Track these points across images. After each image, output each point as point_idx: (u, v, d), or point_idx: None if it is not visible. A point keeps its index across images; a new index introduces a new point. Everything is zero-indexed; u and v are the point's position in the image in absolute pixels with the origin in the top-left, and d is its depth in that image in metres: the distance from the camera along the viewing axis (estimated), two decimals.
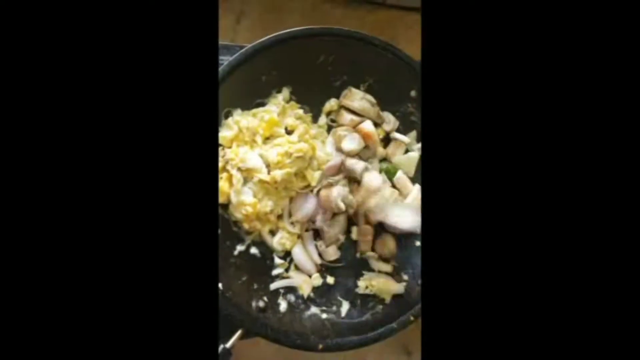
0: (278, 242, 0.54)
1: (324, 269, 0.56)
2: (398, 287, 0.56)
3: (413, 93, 0.57)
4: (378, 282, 0.56)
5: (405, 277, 0.57)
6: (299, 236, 0.55)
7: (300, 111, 0.55)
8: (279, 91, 0.54)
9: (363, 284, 0.56)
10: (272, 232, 0.54)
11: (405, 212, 0.54)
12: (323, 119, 0.57)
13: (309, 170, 0.53)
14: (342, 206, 0.52)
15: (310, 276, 0.55)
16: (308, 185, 0.54)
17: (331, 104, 0.57)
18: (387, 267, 0.57)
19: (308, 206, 0.53)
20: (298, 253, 0.55)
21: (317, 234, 0.56)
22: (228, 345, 0.46)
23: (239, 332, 0.47)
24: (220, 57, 0.58)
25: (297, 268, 0.55)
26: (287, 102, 0.55)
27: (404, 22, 0.76)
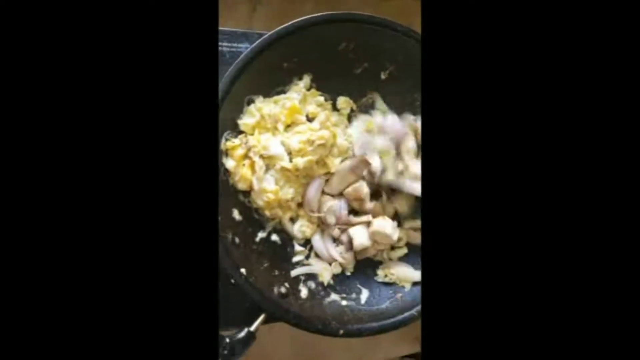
0: (298, 229, 0.54)
1: None
2: (417, 275, 0.56)
3: None
4: (397, 271, 0.56)
5: None
6: (319, 225, 0.55)
7: (321, 98, 0.54)
8: (300, 78, 0.54)
9: (382, 273, 0.56)
10: (293, 220, 0.54)
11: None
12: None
13: (329, 157, 0.53)
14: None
15: (330, 264, 0.55)
16: (328, 172, 0.54)
17: (342, 99, 0.56)
18: (403, 250, 0.57)
19: (311, 190, 0.53)
20: (318, 241, 0.55)
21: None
22: (252, 328, 0.47)
23: (262, 317, 0.48)
24: (239, 45, 0.58)
25: (317, 255, 0.55)
26: (308, 89, 0.54)
27: (418, 9, 0.75)
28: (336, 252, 0.55)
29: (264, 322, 0.49)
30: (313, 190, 0.52)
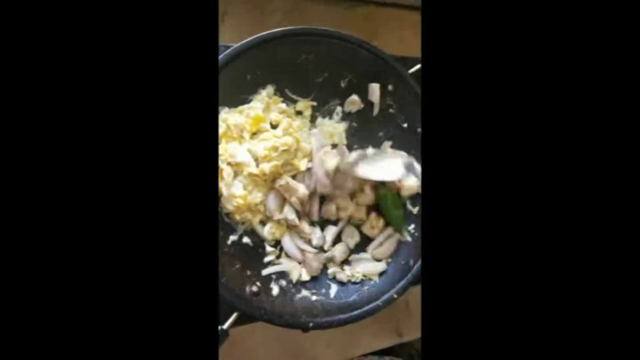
0: (268, 232, 0.57)
1: None
2: (381, 266, 0.60)
3: (390, 87, 0.60)
4: (362, 268, 0.59)
5: (389, 259, 0.61)
6: (288, 226, 0.58)
7: (283, 105, 0.58)
8: (264, 88, 0.57)
9: (349, 273, 0.59)
10: (263, 222, 0.57)
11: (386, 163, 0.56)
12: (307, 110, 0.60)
13: (295, 160, 0.56)
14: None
15: (300, 263, 0.59)
16: (297, 173, 0.57)
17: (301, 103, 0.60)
18: (382, 265, 0.60)
19: (270, 202, 0.56)
20: (287, 242, 0.58)
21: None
22: (225, 326, 0.50)
23: (234, 315, 0.51)
24: None
25: (287, 255, 0.59)
26: (270, 97, 0.58)
27: (383, 17, 0.78)
28: (303, 253, 0.58)
29: (237, 321, 0.52)
30: (271, 201, 0.56)
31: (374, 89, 0.61)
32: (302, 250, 0.59)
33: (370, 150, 0.57)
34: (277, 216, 0.56)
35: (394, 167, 0.54)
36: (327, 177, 0.57)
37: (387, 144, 0.61)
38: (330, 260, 0.59)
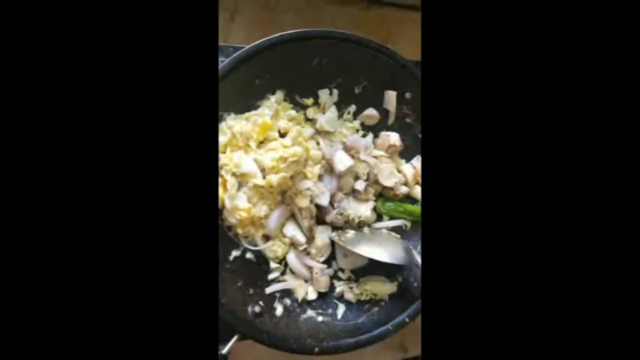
0: (269, 248, 0.53)
1: None
2: (392, 287, 0.56)
3: (408, 95, 0.57)
4: (373, 286, 0.56)
5: (400, 278, 0.57)
6: (291, 244, 0.54)
7: (293, 112, 0.54)
8: (273, 93, 0.54)
9: (357, 291, 0.56)
10: (266, 237, 0.54)
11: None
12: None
13: (307, 169, 0.52)
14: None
15: (306, 281, 0.55)
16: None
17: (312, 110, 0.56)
18: (392, 286, 0.57)
19: (272, 220, 0.52)
20: (293, 259, 0.54)
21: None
22: (224, 351, 0.46)
23: (235, 338, 0.47)
24: None
25: (292, 272, 0.55)
26: (280, 104, 0.54)
27: (398, 19, 0.75)
28: (310, 269, 0.54)
29: (238, 342, 0.48)
30: (273, 219, 0.52)
31: (391, 97, 0.57)
32: (309, 267, 0.55)
33: (366, 230, 0.56)
34: (277, 235, 0.52)
35: (392, 250, 0.53)
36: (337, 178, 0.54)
37: (384, 231, 0.58)
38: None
